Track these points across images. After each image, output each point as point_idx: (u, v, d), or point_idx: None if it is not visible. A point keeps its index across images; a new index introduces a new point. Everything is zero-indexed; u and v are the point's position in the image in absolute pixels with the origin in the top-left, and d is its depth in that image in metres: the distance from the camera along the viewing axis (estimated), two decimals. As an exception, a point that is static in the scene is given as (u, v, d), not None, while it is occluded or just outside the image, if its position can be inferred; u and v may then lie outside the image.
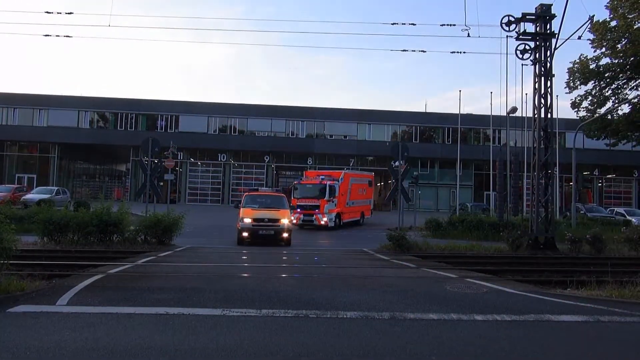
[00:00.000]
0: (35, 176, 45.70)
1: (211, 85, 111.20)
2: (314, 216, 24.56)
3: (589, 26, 18.58)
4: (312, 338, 5.22)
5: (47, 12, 19.26)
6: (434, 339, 5.28)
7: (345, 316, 6.06)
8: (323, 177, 25.80)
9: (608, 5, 26.56)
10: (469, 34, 17.47)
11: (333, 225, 24.66)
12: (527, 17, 16.44)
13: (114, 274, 9.27)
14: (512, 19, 16.32)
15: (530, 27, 16.54)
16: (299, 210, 24.54)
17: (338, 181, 25.54)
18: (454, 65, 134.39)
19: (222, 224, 25.02)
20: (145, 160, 19.01)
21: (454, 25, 18.11)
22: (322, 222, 24.39)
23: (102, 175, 59.48)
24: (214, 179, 48.53)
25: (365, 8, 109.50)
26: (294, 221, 22.48)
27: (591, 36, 26.87)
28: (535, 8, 16.54)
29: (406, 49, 19.14)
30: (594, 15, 17.02)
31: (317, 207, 24.51)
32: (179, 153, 40.74)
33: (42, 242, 14.59)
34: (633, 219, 28.06)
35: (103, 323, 5.56)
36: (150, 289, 7.68)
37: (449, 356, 4.72)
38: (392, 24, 17.88)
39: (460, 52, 20.12)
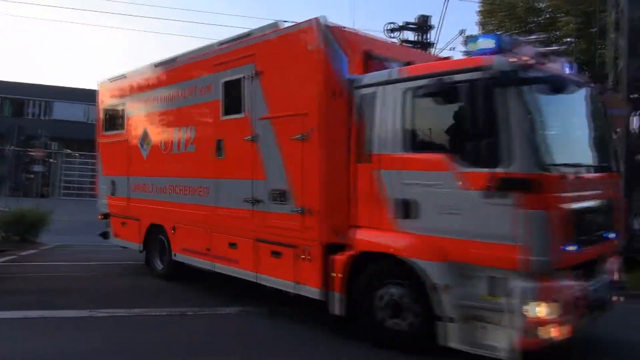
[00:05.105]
0: None
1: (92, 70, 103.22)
2: None
3: (461, 39, 20.43)
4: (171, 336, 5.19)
5: None
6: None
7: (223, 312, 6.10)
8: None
9: (479, 21, 29.30)
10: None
11: None
12: (409, 25, 17.74)
13: (-35, 276, 8.30)
14: (395, 27, 17.48)
15: (411, 36, 17.86)
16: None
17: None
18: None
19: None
20: (8, 149, 17.26)
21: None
22: None
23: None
24: (94, 172, 45.29)
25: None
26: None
27: (463, 48, 29.52)
28: (416, 18, 17.90)
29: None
30: (465, 29, 18.79)
31: None
32: (52, 143, 37.48)
33: None
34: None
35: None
36: (10, 292, 7.05)
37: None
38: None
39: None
